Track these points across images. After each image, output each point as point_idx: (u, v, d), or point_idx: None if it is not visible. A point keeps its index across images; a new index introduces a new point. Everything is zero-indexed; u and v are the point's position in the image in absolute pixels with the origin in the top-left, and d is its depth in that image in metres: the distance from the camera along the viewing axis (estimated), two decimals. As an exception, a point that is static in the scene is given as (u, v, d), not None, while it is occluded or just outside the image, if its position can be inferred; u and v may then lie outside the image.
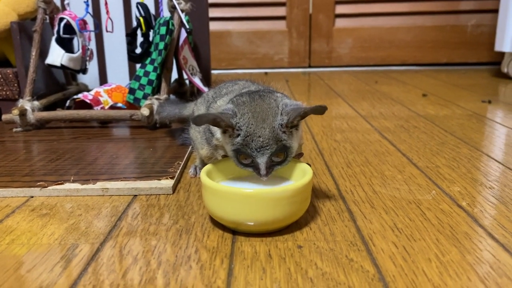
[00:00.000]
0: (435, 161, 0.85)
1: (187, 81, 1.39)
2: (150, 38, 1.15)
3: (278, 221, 0.56)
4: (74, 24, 1.13)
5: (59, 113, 1.08)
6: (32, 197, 0.71)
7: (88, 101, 1.11)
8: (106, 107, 1.13)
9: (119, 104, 1.15)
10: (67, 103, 1.14)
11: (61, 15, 1.14)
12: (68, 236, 0.58)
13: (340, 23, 2.36)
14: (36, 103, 1.10)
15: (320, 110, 0.58)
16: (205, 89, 1.23)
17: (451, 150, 0.92)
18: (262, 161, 0.57)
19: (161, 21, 1.12)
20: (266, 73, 2.28)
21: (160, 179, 0.74)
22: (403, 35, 2.34)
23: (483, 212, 0.63)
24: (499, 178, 0.76)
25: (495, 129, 1.09)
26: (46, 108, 1.15)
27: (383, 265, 0.50)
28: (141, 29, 1.14)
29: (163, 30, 1.08)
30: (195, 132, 0.74)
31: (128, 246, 0.55)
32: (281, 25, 2.37)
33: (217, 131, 0.65)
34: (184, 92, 1.36)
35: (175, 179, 0.74)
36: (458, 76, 2.05)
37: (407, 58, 2.37)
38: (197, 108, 0.76)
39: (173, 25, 1.10)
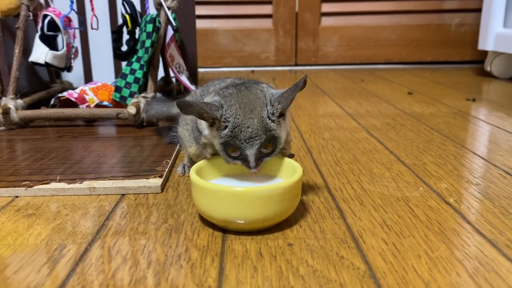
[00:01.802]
0: (422, 158, 0.86)
1: (173, 79, 1.38)
2: (136, 36, 1.14)
3: (268, 219, 0.55)
4: (58, 21, 1.11)
5: (44, 111, 1.06)
6: (17, 197, 0.70)
7: (74, 99, 1.09)
8: (92, 105, 1.12)
9: (105, 103, 1.14)
10: (52, 101, 1.12)
11: (45, 12, 1.12)
12: (55, 236, 0.57)
13: (326, 21, 2.37)
14: (19, 101, 1.09)
15: (303, 83, 0.59)
16: (192, 87, 1.22)
17: (438, 147, 0.93)
18: (251, 152, 0.57)
19: (148, 19, 1.11)
20: (252, 71, 2.28)
21: (148, 178, 0.73)
22: (388, 34, 2.36)
23: (470, 208, 0.64)
24: (484, 175, 0.77)
25: (479, 127, 1.10)
26: (30, 106, 1.13)
27: (373, 262, 0.50)
28: (127, 27, 1.12)
29: (149, 27, 1.07)
30: (183, 131, 0.74)
31: (117, 246, 0.54)
32: (267, 23, 2.37)
33: (205, 129, 0.64)
34: (170, 90, 1.35)
35: (163, 178, 0.73)
36: (442, 74, 2.07)
37: (392, 57, 2.39)
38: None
39: (159, 22, 1.09)
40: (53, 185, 0.71)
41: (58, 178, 0.73)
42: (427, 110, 1.30)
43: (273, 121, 0.58)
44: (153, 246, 0.54)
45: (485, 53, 2.16)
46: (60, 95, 1.12)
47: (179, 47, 1.28)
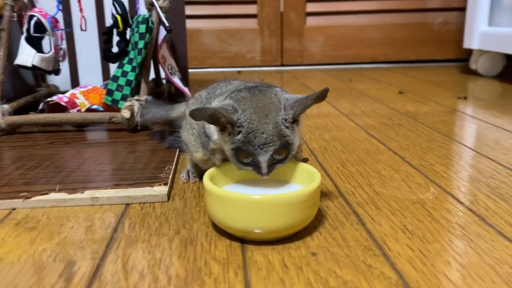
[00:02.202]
0: (428, 158, 0.85)
1: (164, 81, 1.35)
2: (127, 37, 1.10)
3: (290, 228, 0.53)
4: (45, 22, 1.06)
5: (33, 117, 1.02)
6: (14, 209, 0.65)
7: (64, 104, 1.04)
8: (83, 109, 1.07)
9: (95, 106, 1.09)
10: (40, 106, 1.07)
11: (30, 13, 1.07)
12: (62, 252, 0.53)
13: (311, 21, 2.36)
14: (6, 106, 1.03)
15: (322, 95, 0.56)
16: (185, 89, 1.19)
17: (440, 147, 0.93)
18: (263, 159, 0.55)
19: (140, 19, 1.07)
20: (239, 71, 2.25)
21: (152, 186, 0.70)
22: (373, 33, 2.37)
23: (487, 210, 0.63)
24: (493, 174, 0.77)
25: (477, 125, 1.10)
26: (16, 111, 1.08)
27: (403, 270, 0.48)
28: (118, 28, 1.08)
29: (142, 28, 1.03)
30: (189, 135, 0.71)
31: (131, 261, 0.51)
32: (252, 23, 2.35)
33: (214, 134, 0.62)
34: (161, 92, 1.31)
35: (168, 185, 0.70)
36: (428, 73, 2.08)
37: (377, 56, 2.40)
38: (189, 109, 0.72)
39: (152, 23, 1.05)
40: (53, 195, 0.67)
41: (57, 188, 0.69)
42: (421, 109, 1.30)
43: (287, 127, 0.56)
44: (170, 260, 0.51)
45: (468, 51, 2.19)
46: (49, 99, 1.07)
47: (170, 48, 1.24)
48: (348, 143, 0.97)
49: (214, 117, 0.55)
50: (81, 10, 1.10)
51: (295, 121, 0.57)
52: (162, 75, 1.31)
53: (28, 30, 1.06)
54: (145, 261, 0.51)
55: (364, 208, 0.64)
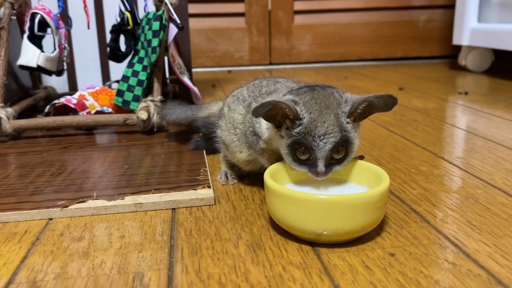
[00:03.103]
0: (458, 153, 0.85)
1: (168, 81, 1.30)
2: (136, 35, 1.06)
3: (365, 228, 0.51)
4: (50, 20, 1.01)
5: (41, 120, 0.96)
6: (51, 219, 0.61)
7: (73, 106, 0.99)
8: (93, 111, 1.02)
9: (105, 108, 1.04)
10: (47, 109, 1.01)
11: (33, 10, 1.01)
12: (124, 263, 0.49)
13: (299, 19, 2.35)
14: (10, 110, 0.97)
15: (388, 100, 0.54)
16: (195, 88, 1.15)
17: (465, 142, 0.93)
18: (321, 154, 0.52)
19: (151, 16, 1.03)
20: (229, 71, 2.21)
21: (196, 189, 0.66)
22: (360, 31, 2.38)
23: (541, 202, 0.63)
24: (529, 167, 0.77)
25: (490, 120, 1.11)
26: (19, 115, 1.02)
27: (489, 267, 0.47)
28: (127, 25, 1.04)
29: (156, 25, 0.99)
30: (230, 135, 0.68)
31: (203, 269, 0.48)
32: (240, 22, 2.31)
33: (265, 133, 0.59)
34: (167, 93, 1.27)
35: (211, 188, 0.67)
36: (419, 69, 2.11)
37: (364, 54, 2.41)
38: (229, 109, 0.69)
39: (165, 20, 1.01)
40: (91, 203, 0.62)
41: (95, 194, 0.65)
42: (429, 105, 1.30)
43: (347, 122, 0.54)
44: (245, 267, 0.48)
45: (454, 47, 2.23)
46: (56, 101, 1.01)
47: (177, 47, 1.20)
48: (374, 140, 0.95)
49: (275, 109, 0.52)
50: (85, 6, 1.05)
51: (355, 120, 0.55)
52: (166, 74, 1.27)
53: (31, 28, 1.00)
54: (218, 269, 0.48)
55: (420, 205, 0.63)
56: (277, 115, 0.54)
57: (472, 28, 1.87)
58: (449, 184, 0.70)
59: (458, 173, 0.75)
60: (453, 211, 0.61)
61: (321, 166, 0.53)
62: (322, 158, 0.53)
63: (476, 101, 1.33)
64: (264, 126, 0.60)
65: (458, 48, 2.04)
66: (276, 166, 0.59)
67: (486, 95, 1.43)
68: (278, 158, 0.60)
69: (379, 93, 0.54)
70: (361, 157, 0.62)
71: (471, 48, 1.92)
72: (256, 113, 0.52)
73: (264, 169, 0.58)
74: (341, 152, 0.55)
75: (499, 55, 2.00)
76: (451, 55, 2.39)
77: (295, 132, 0.53)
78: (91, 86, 1.09)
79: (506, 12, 1.79)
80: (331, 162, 0.54)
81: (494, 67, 1.96)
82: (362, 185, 0.58)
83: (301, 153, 0.54)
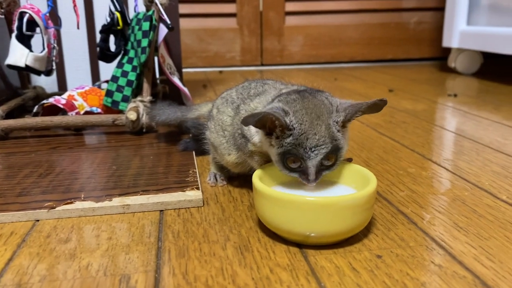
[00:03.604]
0: (447, 155, 0.86)
1: (158, 81, 1.30)
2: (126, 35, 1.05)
3: (352, 230, 0.51)
4: (38, 19, 1.00)
5: (29, 120, 0.95)
6: (38, 220, 0.60)
7: (62, 106, 0.98)
8: (82, 112, 1.01)
9: (94, 109, 1.04)
10: (35, 109, 1.00)
11: (22, 9, 1.00)
12: (110, 265, 0.49)
13: (290, 20, 2.35)
14: (-3, 110, 0.96)
15: (379, 105, 0.54)
16: (185, 89, 1.15)
17: (454, 144, 0.93)
18: (312, 164, 0.52)
19: (141, 16, 1.03)
20: (220, 71, 2.21)
21: (184, 191, 0.66)
22: (351, 33, 2.39)
23: (527, 204, 0.63)
24: (515, 169, 0.78)
25: (478, 122, 1.12)
26: (7, 115, 1.01)
27: (474, 269, 0.47)
28: (117, 25, 1.03)
29: (146, 25, 0.99)
30: (219, 137, 0.67)
31: (190, 272, 0.48)
32: (231, 22, 2.31)
33: (255, 135, 0.59)
34: (156, 93, 1.26)
35: (200, 189, 0.67)
36: (409, 71, 2.12)
37: (355, 55, 2.42)
38: (218, 111, 0.69)
39: (155, 20, 1.01)
40: (79, 204, 0.62)
41: (82, 196, 0.64)
42: (418, 106, 1.31)
43: (338, 130, 0.54)
44: (232, 269, 0.48)
45: (443, 50, 2.25)
46: (44, 101, 1.00)
47: (167, 47, 1.20)
48: (363, 141, 0.96)
49: (265, 120, 0.52)
50: (75, 6, 1.04)
51: (343, 126, 0.55)
52: (156, 75, 1.26)
53: (19, 27, 0.99)
54: (205, 271, 0.48)
55: (407, 207, 0.63)
56: (266, 123, 0.53)
57: (462, 31, 1.88)
58: (436, 186, 0.71)
59: (445, 175, 0.76)
60: (440, 213, 0.61)
61: (312, 175, 0.53)
62: (313, 166, 0.53)
63: (465, 103, 1.35)
64: (253, 129, 0.60)
65: (448, 50, 2.06)
66: (264, 168, 0.59)
67: (475, 97, 1.44)
68: (268, 160, 0.60)
69: (370, 100, 0.53)
70: (350, 159, 0.63)
71: (460, 50, 1.94)
72: (245, 122, 0.52)
73: (253, 171, 0.58)
74: (331, 159, 0.54)
75: (488, 57, 2.02)
76: (441, 57, 2.40)
77: (286, 143, 0.53)
78: (80, 86, 1.08)
79: (495, 16, 1.81)
80: (321, 168, 0.54)
81: (483, 70, 1.98)
82: (350, 187, 0.58)
83: (292, 161, 0.54)
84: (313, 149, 0.52)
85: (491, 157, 0.84)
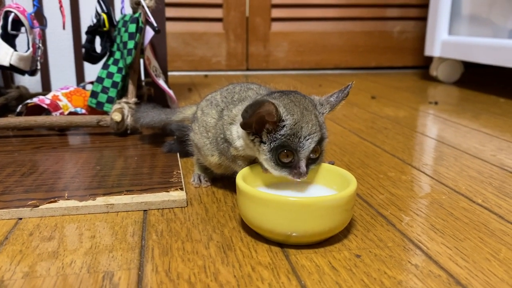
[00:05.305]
0: (426, 160, 0.88)
1: (143, 83, 1.30)
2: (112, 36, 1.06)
3: (333, 230, 0.53)
4: (24, 19, 1.00)
5: (12, 120, 0.95)
6: (21, 219, 0.60)
7: (46, 106, 0.98)
8: (66, 112, 1.01)
9: (79, 109, 1.03)
10: (18, 109, 1.00)
11: (7, 8, 1.00)
12: (94, 263, 0.50)
13: (276, 26, 2.37)
14: (-20, 109, 0.96)
15: (347, 92, 0.60)
16: (171, 91, 1.16)
17: (433, 149, 0.96)
18: (305, 155, 0.55)
19: (127, 18, 1.03)
20: (206, 75, 2.22)
21: (168, 191, 0.67)
22: (335, 40, 2.42)
23: (501, 208, 0.66)
24: (491, 174, 0.80)
25: (457, 129, 1.15)
26: (-10, 114, 1.00)
27: (449, 268, 0.49)
28: (103, 26, 1.03)
29: (132, 27, 0.99)
30: (202, 138, 0.68)
31: (173, 269, 0.48)
32: (217, 27, 2.33)
33: (237, 140, 0.60)
34: (142, 95, 1.26)
35: (184, 190, 0.68)
36: (391, 79, 2.16)
37: (339, 62, 2.45)
38: (203, 112, 0.70)
39: (142, 22, 1.01)
40: (63, 203, 0.62)
41: (66, 195, 0.64)
42: (400, 113, 1.34)
43: (323, 122, 0.57)
44: (214, 267, 0.49)
45: (426, 58, 2.29)
46: (28, 101, 1.00)
47: (153, 50, 1.20)
48: (345, 146, 0.98)
49: (264, 108, 0.52)
50: (61, 7, 1.04)
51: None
52: (142, 77, 1.27)
53: (4, 27, 0.99)
54: (188, 269, 0.49)
55: (386, 209, 0.65)
56: (254, 120, 0.54)
57: (443, 40, 1.93)
58: (415, 190, 0.72)
59: (424, 179, 0.78)
60: (418, 215, 0.63)
61: (303, 167, 0.55)
62: (304, 158, 0.55)
63: (445, 111, 1.38)
64: (235, 134, 0.61)
65: (430, 59, 2.10)
66: (248, 169, 0.60)
67: (455, 105, 1.48)
68: (251, 164, 0.61)
69: (342, 90, 0.59)
70: (331, 162, 0.64)
71: (442, 59, 1.98)
72: (245, 116, 0.53)
73: (237, 172, 0.60)
74: (317, 151, 0.57)
75: (468, 67, 2.06)
76: (423, 65, 2.45)
77: (280, 135, 0.54)
78: (65, 87, 1.08)
79: (475, 26, 1.86)
80: (309, 162, 0.56)
81: (464, 78, 2.03)
82: (331, 189, 0.60)
83: (285, 156, 0.55)
84: (307, 138, 0.54)
85: (469, 162, 0.87)
